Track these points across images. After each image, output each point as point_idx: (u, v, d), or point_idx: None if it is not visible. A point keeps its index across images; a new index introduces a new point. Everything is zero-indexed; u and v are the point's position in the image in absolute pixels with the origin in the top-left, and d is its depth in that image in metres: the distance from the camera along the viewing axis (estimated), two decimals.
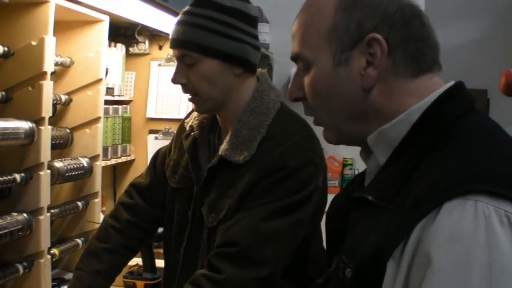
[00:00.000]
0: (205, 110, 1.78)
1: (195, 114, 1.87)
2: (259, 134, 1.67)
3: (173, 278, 1.85)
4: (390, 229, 0.90)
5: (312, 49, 1.08)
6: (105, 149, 3.77)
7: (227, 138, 1.70)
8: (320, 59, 1.08)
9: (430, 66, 1.07)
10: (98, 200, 2.76)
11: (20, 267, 2.22)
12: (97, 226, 2.63)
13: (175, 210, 1.85)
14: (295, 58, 1.13)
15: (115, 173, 3.86)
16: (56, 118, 2.70)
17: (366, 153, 1.12)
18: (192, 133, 1.84)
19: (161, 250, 2.90)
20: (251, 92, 1.73)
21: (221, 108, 1.74)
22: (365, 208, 1.01)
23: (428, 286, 0.81)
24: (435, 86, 1.07)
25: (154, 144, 3.91)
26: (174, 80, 1.69)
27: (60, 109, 2.74)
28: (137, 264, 2.68)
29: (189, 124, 1.86)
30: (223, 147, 1.70)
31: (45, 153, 2.28)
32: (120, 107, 3.55)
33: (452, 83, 1.07)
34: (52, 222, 2.40)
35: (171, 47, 1.72)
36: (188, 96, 1.75)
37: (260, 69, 1.82)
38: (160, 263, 2.60)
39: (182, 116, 3.54)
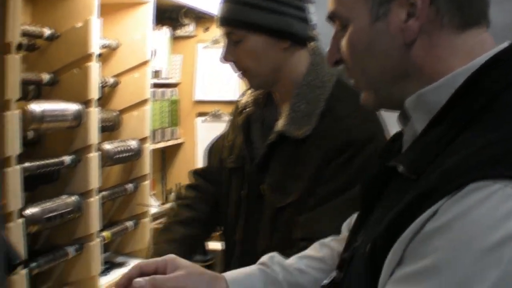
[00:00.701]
0: (257, 86, 1.74)
1: (249, 91, 1.84)
2: (318, 107, 1.61)
3: (230, 260, 1.82)
4: (408, 204, 0.83)
5: (347, 5, 0.99)
6: (153, 133, 3.77)
7: (285, 113, 1.65)
8: (356, 15, 0.99)
9: (477, 19, 0.95)
10: (147, 182, 2.74)
11: (70, 250, 2.22)
12: (147, 209, 2.63)
13: (232, 191, 1.80)
14: (331, 17, 1.05)
15: (163, 156, 3.85)
16: (104, 101, 2.70)
17: (405, 119, 1.02)
18: (245, 111, 1.80)
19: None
20: (304, 66, 1.68)
21: (274, 84, 1.69)
22: (397, 180, 0.92)
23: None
24: (484, 46, 0.94)
25: (202, 127, 3.89)
26: (223, 59, 1.67)
27: (107, 92, 2.74)
28: None
29: (243, 101, 1.83)
30: (281, 122, 1.64)
31: (94, 135, 2.27)
32: (167, 90, 3.53)
33: (505, 44, 0.95)
34: (102, 205, 2.39)
35: (218, 26, 1.70)
36: (239, 74, 1.72)
37: (313, 43, 1.77)
38: (212, 245, 2.58)
39: (231, 98, 3.54)
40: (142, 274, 1.15)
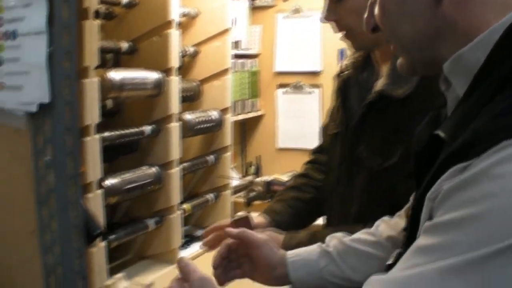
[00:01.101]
0: (361, 46, 1.64)
1: (348, 55, 1.77)
2: None
3: (328, 224, 1.77)
4: (439, 164, 0.83)
5: None
6: (233, 105, 3.68)
7: (385, 73, 1.56)
8: None
9: None
10: (228, 154, 2.66)
11: (150, 223, 2.16)
12: (228, 181, 2.55)
13: (333, 157, 1.73)
14: None
15: (243, 129, 3.78)
16: (184, 70, 2.62)
17: (446, 84, 0.98)
18: (342, 74, 1.72)
19: None
20: None
21: (377, 43, 1.59)
22: (443, 148, 0.87)
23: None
24: None
25: (283, 99, 3.79)
26: (323, 18, 1.57)
27: (187, 62, 2.66)
28: None
29: (342, 65, 1.75)
30: (381, 81, 1.56)
31: (174, 105, 2.20)
32: (247, 61, 3.44)
33: None
34: (182, 177, 2.32)
35: None
36: (341, 35, 1.63)
37: None
38: None
39: (312, 69, 3.43)
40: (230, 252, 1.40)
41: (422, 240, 0.80)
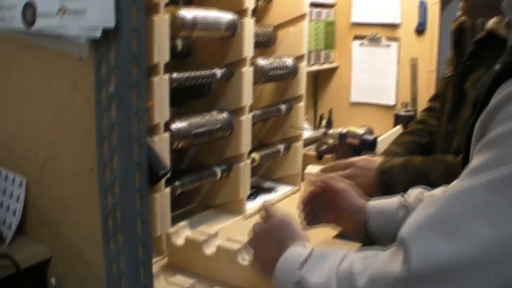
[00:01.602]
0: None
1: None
2: None
3: None
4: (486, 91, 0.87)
5: None
6: (307, 54, 3.53)
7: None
8: None
9: None
10: (302, 104, 2.52)
11: (218, 170, 2.07)
12: (300, 132, 2.43)
13: (447, 99, 1.78)
14: None
15: (316, 81, 3.63)
16: (258, 15, 2.48)
17: (509, 28, 1.03)
18: (458, 18, 1.78)
19: None
20: None
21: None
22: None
23: None
24: None
25: (359, 51, 3.62)
26: None
27: (262, 6, 2.52)
28: None
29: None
30: (492, 21, 1.56)
31: (248, 48, 2.07)
32: (323, 10, 3.27)
33: None
34: (253, 125, 2.22)
35: None
36: None
37: None
38: None
39: (390, 21, 3.25)
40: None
41: (472, 163, 0.82)
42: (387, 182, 1.70)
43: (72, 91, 1.08)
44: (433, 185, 1.46)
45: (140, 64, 1.01)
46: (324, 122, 3.40)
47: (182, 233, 1.69)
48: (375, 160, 1.74)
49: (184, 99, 2.12)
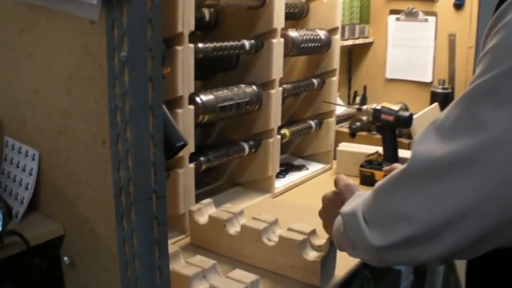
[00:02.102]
0: None
1: None
2: None
3: None
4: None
5: None
6: (341, 29, 3.41)
7: None
8: None
9: None
10: (335, 78, 2.41)
11: (246, 146, 1.98)
12: (333, 108, 2.33)
13: None
14: None
15: (350, 57, 3.52)
16: None
17: None
18: None
19: (402, 140, 2.57)
20: None
21: None
22: None
23: None
24: None
25: (395, 26, 3.49)
26: None
27: None
28: (376, 152, 2.34)
29: None
30: None
31: (279, 19, 1.97)
32: None
33: None
34: (283, 100, 2.12)
35: None
36: None
37: None
38: (403, 152, 2.26)
39: None
40: None
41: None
42: None
43: (84, 57, 1.01)
44: None
45: (154, 27, 0.92)
46: (358, 99, 3.29)
47: (205, 211, 1.62)
48: None
49: (212, 71, 2.04)
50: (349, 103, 3.32)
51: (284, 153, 2.55)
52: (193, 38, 1.64)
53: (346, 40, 3.21)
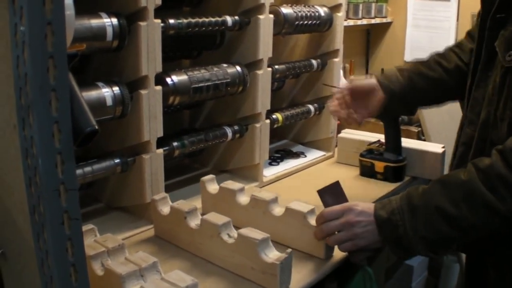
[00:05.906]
0: None
1: None
2: None
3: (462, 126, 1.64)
4: None
5: None
6: (355, 7, 3.23)
7: None
8: None
9: None
10: (338, 60, 2.24)
11: (229, 131, 1.85)
12: (333, 91, 2.19)
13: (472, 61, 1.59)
14: None
15: (368, 38, 3.36)
16: None
17: None
18: None
19: (410, 128, 2.41)
20: None
21: None
22: None
23: None
24: None
25: (414, 5, 3.33)
26: None
27: None
28: (378, 140, 2.18)
29: None
30: None
31: None
32: None
33: None
34: (282, 82, 1.97)
35: None
36: None
37: None
38: (407, 142, 2.12)
39: None
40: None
41: None
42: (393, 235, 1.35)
43: None
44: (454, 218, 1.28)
45: None
46: None
47: (168, 202, 1.50)
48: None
49: (196, 50, 1.92)
50: None
51: (285, 139, 2.42)
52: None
53: (360, 19, 3.06)
